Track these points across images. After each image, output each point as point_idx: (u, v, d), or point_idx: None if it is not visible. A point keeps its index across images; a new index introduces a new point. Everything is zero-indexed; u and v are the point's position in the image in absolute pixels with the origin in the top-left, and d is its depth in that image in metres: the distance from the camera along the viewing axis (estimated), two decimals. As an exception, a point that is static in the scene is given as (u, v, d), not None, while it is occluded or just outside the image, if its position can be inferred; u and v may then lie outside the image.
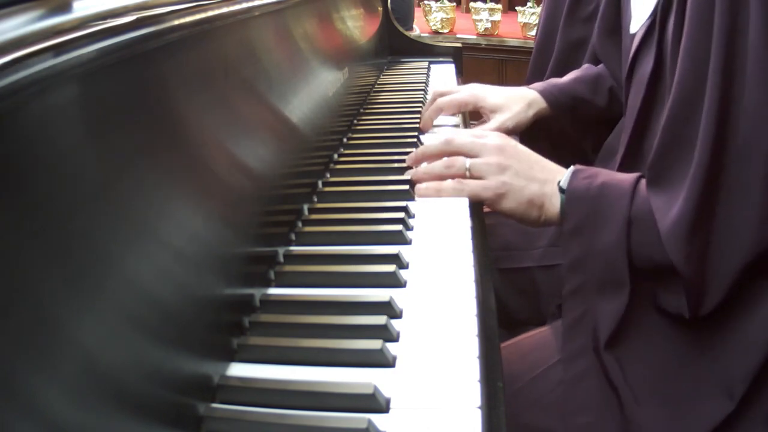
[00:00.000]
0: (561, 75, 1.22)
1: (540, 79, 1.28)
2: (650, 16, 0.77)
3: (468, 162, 0.76)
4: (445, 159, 0.79)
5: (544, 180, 0.74)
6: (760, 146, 0.59)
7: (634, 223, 0.66)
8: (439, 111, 1.05)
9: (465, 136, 0.79)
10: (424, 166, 0.81)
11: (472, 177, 0.76)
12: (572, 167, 0.73)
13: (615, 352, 0.66)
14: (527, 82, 1.34)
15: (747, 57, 0.59)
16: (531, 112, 1.06)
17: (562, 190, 0.72)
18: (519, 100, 1.06)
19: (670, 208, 0.63)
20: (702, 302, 0.62)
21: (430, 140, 0.95)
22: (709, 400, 0.63)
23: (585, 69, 1.11)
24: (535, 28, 2.85)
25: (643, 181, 0.69)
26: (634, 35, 0.81)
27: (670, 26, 0.69)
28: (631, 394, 0.64)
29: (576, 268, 0.68)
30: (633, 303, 0.66)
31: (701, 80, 0.61)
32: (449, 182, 0.76)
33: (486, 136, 0.79)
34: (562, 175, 0.74)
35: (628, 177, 0.69)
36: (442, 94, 1.06)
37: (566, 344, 0.68)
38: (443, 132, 1.02)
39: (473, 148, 0.77)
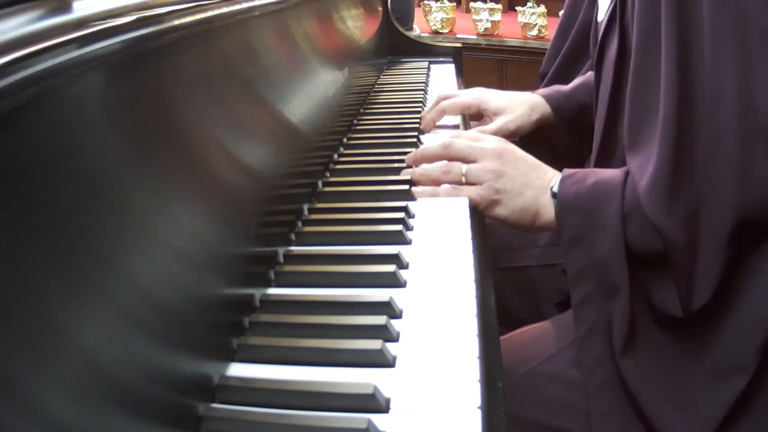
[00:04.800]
0: (576, 57, 1.20)
1: (555, 60, 1.27)
2: (612, 1, 0.77)
3: (464, 168, 0.76)
4: (443, 163, 0.79)
5: (539, 186, 0.73)
6: (727, 94, 0.58)
7: (627, 217, 0.65)
8: (443, 113, 1.06)
9: (464, 141, 0.78)
10: (422, 167, 0.81)
11: (468, 182, 0.76)
12: (561, 173, 0.72)
13: (632, 355, 0.66)
14: (545, 62, 1.33)
15: (701, 3, 0.58)
16: (534, 116, 1.06)
17: (554, 195, 0.72)
18: (522, 104, 1.06)
19: (646, 167, 0.62)
20: (694, 289, 0.61)
21: (430, 141, 0.95)
22: (724, 380, 0.62)
23: (588, 75, 1.11)
24: (535, 27, 2.88)
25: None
26: (600, 23, 0.81)
27: (629, 7, 0.69)
28: (651, 395, 0.64)
29: (581, 278, 0.68)
30: (640, 303, 0.66)
31: (658, 32, 0.60)
32: (445, 187, 0.77)
33: (484, 139, 0.79)
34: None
35: (617, 173, 0.68)
36: (446, 97, 1.06)
37: (583, 356, 0.68)
38: (443, 132, 1.02)
39: (472, 152, 0.77)
